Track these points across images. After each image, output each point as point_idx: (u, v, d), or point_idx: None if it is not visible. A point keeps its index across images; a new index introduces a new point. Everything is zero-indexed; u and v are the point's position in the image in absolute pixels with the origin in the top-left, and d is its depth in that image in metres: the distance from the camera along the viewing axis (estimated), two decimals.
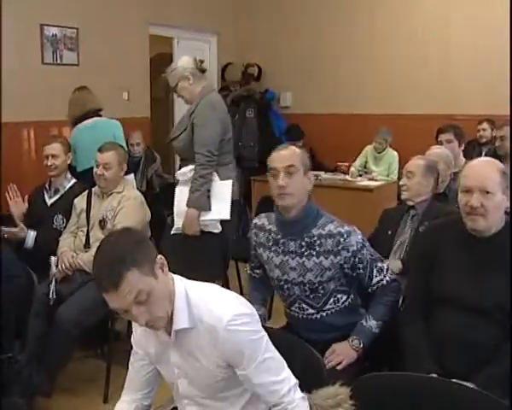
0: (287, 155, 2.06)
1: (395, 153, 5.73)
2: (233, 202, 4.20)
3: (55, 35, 5.15)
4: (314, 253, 2.09)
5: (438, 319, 1.98)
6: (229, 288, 3.95)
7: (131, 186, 3.32)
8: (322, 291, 2.15)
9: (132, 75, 5.81)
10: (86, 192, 3.32)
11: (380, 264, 2.15)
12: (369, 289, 2.17)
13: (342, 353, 2.10)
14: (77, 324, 2.79)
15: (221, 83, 7.10)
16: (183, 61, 3.39)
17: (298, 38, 6.84)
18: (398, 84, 6.19)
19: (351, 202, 4.79)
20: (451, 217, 2.14)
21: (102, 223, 3.13)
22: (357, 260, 2.10)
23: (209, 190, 3.15)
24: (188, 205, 3.14)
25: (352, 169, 5.52)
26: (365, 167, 5.84)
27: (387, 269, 2.17)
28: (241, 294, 4.51)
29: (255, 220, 2.28)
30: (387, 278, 2.14)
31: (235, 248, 3.92)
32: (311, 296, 2.17)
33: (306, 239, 2.09)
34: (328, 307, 2.18)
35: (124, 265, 1.38)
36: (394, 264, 2.67)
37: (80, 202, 3.29)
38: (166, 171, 5.49)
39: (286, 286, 2.20)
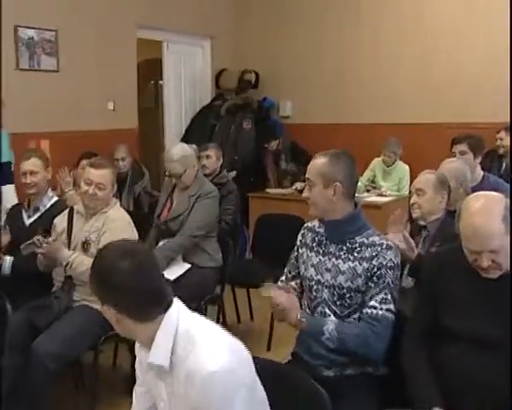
0: (309, 168, 2.28)
1: (406, 166, 5.74)
2: (228, 223, 4.26)
3: (32, 38, 5.07)
4: (351, 257, 2.24)
5: (445, 355, 1.99)
6: (224, 315, 3.95)
7: (117, 205, 3.31)
8: (348, 301, 2.23)
9: (118, 83, 5.81)
10: (67, 211, 3.31)
11: (389, 296, 2.17)
12: (359, 310, 2.22)
13: (288, 302, 2.18)
14: (56, 357, 2.75)
15: (215, 91, 7.12)
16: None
17: (299, 41, 6.89)
18: (407, 90, 6.22)
19: None
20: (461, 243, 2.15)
21: (85, 245, 3.12)
22: (378, 273, 2.17)
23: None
24: None
25: (359, 184, 5.51)
26: (373, 182, 5.85)
27: (391, 309, 2.18)
28: (239, 321, 4.54)
29: (307, 223, 2.47)
30: (381, 313, 2.16)
31: (232, 272, 3.95)
32: (338, 303, 2.25)
33: (348, 244, 2.26)
34: (351, 319, 2.24)
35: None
36: (406, 282, 2.70)
37: (61, 221, 3.28)
38: (156, 187, 5.48)
39: (316, 287, 2.31)
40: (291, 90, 7.00)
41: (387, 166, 5.79)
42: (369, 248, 2.20)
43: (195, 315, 1.64)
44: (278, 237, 4.26)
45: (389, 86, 6.32)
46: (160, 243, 3.75)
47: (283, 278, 2.53)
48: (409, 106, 6.19)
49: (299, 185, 5.66)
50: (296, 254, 2.46)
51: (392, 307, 2.17)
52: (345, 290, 2.23)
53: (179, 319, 1.57)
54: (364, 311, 2.19)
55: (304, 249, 2.40)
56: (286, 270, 2.51)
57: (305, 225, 2.47)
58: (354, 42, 6.54)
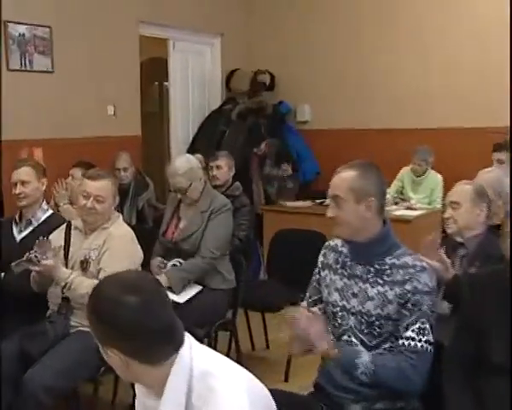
0: (335, 183, 2.25)
1: (438, 176, 5.70)
2: (241, 240, 4.25)
3: (23, 35, 5.04)
4: (381, 281, 2.21)
5: (493, 392, 1.96)
6: (237, 342, 3.92)
7: (119, 220, 3.30)
8: (378, 329, 2.21)
9: (119, 85, 5.82)
10: (64, 226, 3.30)
11: (427, 326, 2.15)
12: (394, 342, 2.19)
13: (316, 329, 2.12)
14: (50, 390, 2.72)
15: (225, 93, 7.13)
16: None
17: (319, 39, 6.88)
18: (436, 92, 6.18)
19: None
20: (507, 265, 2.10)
21: (84, 264, 3.11)
22: (412, 299, 2.14)
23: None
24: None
25: (387, 196, 5.46)
26: (401, 194, 5.81)
27: (429, 341, 2.14)
28: (253, 349, 4.50)
29: (328, 242, 2.47)
30: (420, 345, 2.12)
31: (245, 294, 3.94)
32: (366, 331, 2.24)
33: (376, 266, 2.23)
34: (380, 350, 2.21)
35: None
36: (441, 306, 2.67)
37: (57, 237, 3.26)
38: (161, 200, 5.47)
39: (341, 314, 2.30)
40: (310, 93, 6.98)
41: (417, 177, 5.75)
42: (400, 271, 2.18)
43: (209, 351, 1.62)
44: (297, 256, 4.25)
45: (417, 88, 6.30)
46: (170, 264, 3.75)
47: (304, 303, 2.51)
48: (439, 109, 6.15)
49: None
50: (318, 276, 2.45)
51: (430, 338, 2.14)
52: (374, 318, 2.21)
53: (192, 358, 1.54)
54: (401, 342, 2.15)
55: (326, 272, 2.40)
56: (307, 294, 2.51)
57: (327, 244, 2.47)
58: (379, 42, 6.53)
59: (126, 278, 1.59)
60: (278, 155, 6.43)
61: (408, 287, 2.14)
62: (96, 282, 2.98)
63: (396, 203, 5.50)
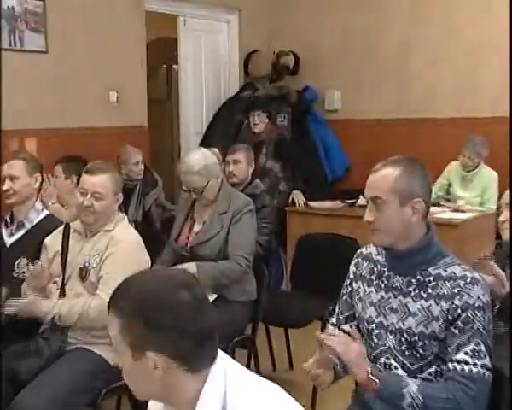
0: (375, 182, 2.23)
1: (493, 173, 5.62)
2: (262, 246, 4.25)
3: (13, 8, 5.00)
4: (424, 295, 2.20)
5: None
6: (257, 361, 3.92)
7: (124, 222, 3.30)
8: (421, 351, 2.19)
9: (123, 68, 5.84)
10: (62, 228, 3.30)
11: (482, 347, 2.11)
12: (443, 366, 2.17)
13: (354, 352, 2.10)
14: None
15: (243, 78, 7.14)
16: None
17: (350, 15, 6.85)
18: (488, 78, 6.11)
19: None
20: None
21: (83, 272, 3.11)
22: (462, 316, 2.12)
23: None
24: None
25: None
26: (448, 193, 5.75)
27: (486, 365, 2.10)
28: (274, 369, 4.48)
29: (361, 249, 2.46)
30: (476, 370, 2.08)
31: (266, 307, 3.93)
32: (407, 353, 2.22)
33: (419, 277, 2.22)
34: (425, 375, 2.19)
35: None
36: (496, 327, 2.61)
37: (53, 241, 3.27)
38: (170, 198, 5.48)
39: (377, 332, 2.29)
40: (340, 78, 6.96)
41: (467, 172, 5.67)
42: (447, 283, 2.16)
43: (242, 370, 1.63)
44: (325, 264, 4.23)
45: (465, 71, 6.23)
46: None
47: (334, 320, 2.51)
48: (490, 94, 6.08)
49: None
50: (350, 289, 2.45)
51: (487, 361, 2.10)
52: (416, 337, 2.19)
53: (227, 372, 1.57)
54: (451, 366, 2.11)
55: (359, 283, 2.40)
56: (337, 309, 2.51)
57: (359, 251, 2.46)
58: (421, 24, 6.47)
59: (170, 274, 1.65)
60: (278, 143, 6.23)
61: (457, 302, 2.12)
62: (88, 298, 3.02)
63: (438, 204, 5.43)
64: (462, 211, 5.30)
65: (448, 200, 5.61)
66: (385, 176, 2.20)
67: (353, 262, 2.46)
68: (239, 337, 3.75)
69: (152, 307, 1.52)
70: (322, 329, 3.96)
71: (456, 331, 2.11)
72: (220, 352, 1.60)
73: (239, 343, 3.77)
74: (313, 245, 4.61)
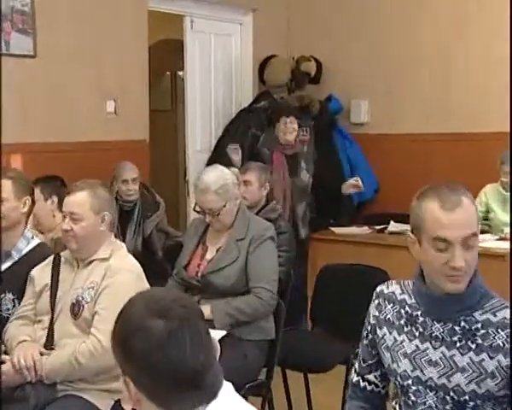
0: (466, 218, 2.14)
1: None
2: (280, 278, 4.27)
3: None
4: (473, 346, 2.17)
5: None
6: (273, 408, 3.91)
7: (123, 251, 3.31)
8: None
9: (122, 74, 5.88)
10: (51, 259, 3.31)
11: None
12: None
13: None
14: None
15: (258, 86, 7.17)
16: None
17: (379, 16, 6.88)
18: None
19: None
20: None
21: (76, 308, 3.10)
22: None
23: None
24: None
25: None
26: (486, 219, 5.71)
27: None
28: None
29: (381, 287, 2.43)
30: None
31: (283, 348, 3.93)
32: None
33: (463, 324, 2.19)
34: None
35: None
36: None
37: (42, 273, 3.27)
38: (173, 224, 5.49)
39: (415, 388, 2.26)
40: (368, 87, 6.97)
41: (507, 192, 5.63)
42: (502, 332, 2.14)
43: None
44: (350, 299, 4.21)
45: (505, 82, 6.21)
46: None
47: (356, 366, 2.50)
48: None
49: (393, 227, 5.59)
50: (371, 336, 2.43)
51: None
52: (467, 397, 2.16)
53: None
54: None
55: (385, 330, 2.36)
56: (359, 355, 2.50)
57: (379, 290, 2.43)
58: (463, 29, 6.46)
59: (157, 297, 1.65)
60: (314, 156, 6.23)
61: None
62: (76, 344, 3.01)
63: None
64: (507, 239, 5.24)
65: (489, 225, 5.54)
66: (467, 209, 2.15)
67: (373, 304, 2.43)
68: (252, 383, 3.71)
69: (122, 330, 1.60)
70: (347, 374, 3.96)
71: None
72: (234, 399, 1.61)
73: (252, 389, 3.73)
74: (337, 277, 4.60)
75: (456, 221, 2.11)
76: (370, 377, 2.44)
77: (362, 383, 2.47)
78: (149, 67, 6.23)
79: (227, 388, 1.64)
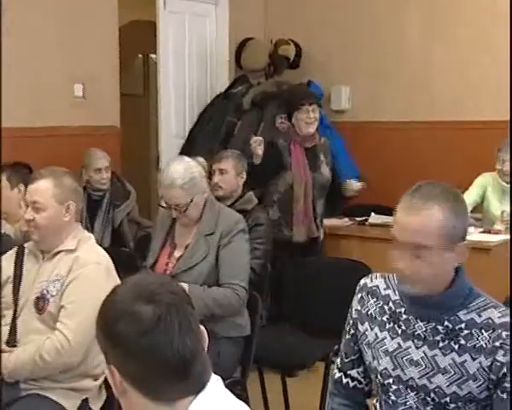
0: (414, 226, 2.13)
1: None
2: (255, 272, 4.25)
3: None
4: (456, 346, 2.18)
5: None
6: (248, 406, 3.90)
7: (91, 242, 3.30)
8: None
9: (90, 57, 5.85)
10: (15, 251, 3.29)
11: None
12: None
13: None
14: None
15: (235, 70, 7.16)
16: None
17: (362, 1, 6.89)
18: None
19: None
20: None
21: (41, 302, 3.07)
22: (508, 376, 2.10)
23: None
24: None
25: None
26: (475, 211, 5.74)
27: None
28: None
29: (364, 280, 2.43)
30: None
31: (258, 346, 3.92)
32: None
33: (447, 323, 2.20)
34: None
35: None
36: None
37: (5, 264, 3.25)
38: (145, 214, 5.47)
39: (395, 388, 2.27)
40: (350, 72, 6.98)
41: (507, 182, 5.64)
42: (485, 333, 2.15)
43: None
44: (329, 294, 4.22)
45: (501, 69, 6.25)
46: None
47: (338, 362, 2.51)
48: None
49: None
50: (353, 331, 2.44)
51: None
52: (448, 399, 2.17)
53: None
54: None
55: (367, 325, 2.38)
56: (341, 350, 2.50)
57: (363, 284, 2.44)
58: (450, 9, 6.49)
59: (145, 282, 1.66)
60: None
61: (501, 358, 2.11)
62: (40, 341, 2.99)
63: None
64: (496, 233, 5.26)
65: (478, 219, 5.56)
66: (429, 219, 2.12)
67: (356, 298, 2.43)
68: (227, 381, 3.71)
69: (107, 316, 1.60)
70: (326, 371, 3.97)
71: (505, 396, 2.11)
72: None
73: (227, 388, 3.75)
74: (315, 271, 4.61)
75: (407, 225, 2.13)
76: (353, 373, 2.45)
77: (344, 380, 2.48)
78: (120, 50, 6.20)
79: (215, 380, 1.67)
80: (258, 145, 5.10)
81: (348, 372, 2.46)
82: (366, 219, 5.74)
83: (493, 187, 5.74)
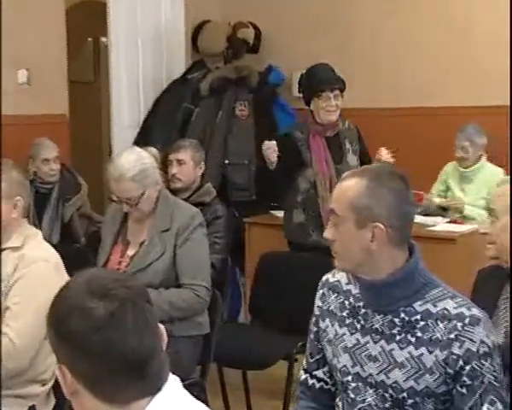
0: (335, 194, 2.27)
1: (498, 170, 5.72)
2: (214, 267, 4.27)
3: None
4: (413, 339, 2.19)
5: None
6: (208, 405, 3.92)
7: (38, 238, 3.27)
8: None
9: (35, 40, 5.79)
10: None
11: (499, 405, 2.12)
12: None
13: None
14: None
15: (191, 55, 7.15)
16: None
17: None
18: (498, 62, 6.20)
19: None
20: None
21: None
22: (466, 369, 2.12)
23: None
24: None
25: (426, 202, 5.49)
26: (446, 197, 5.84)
27: None
28: None
29: (327, 276, 2.46)
30: None
31: (219, 343, 3.94)
32: None
33: (403, 315, 2.21)
34: None
35: None
36: None
37: None
38: (97, 209, 5.45)
39: (354, 385, 2.29)
40: (311, 56, 6.95)
41: (465, 168, 5.79)
42: (440, 324, 2.17)
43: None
44: (293, 290, 4.24)
45: (472, 56, 6.33)
46: None
47: (304, 363, 2.52)
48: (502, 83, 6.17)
49: None
50: (315, 328, 2.46)
51: None
52: (405, 395, 2.19)
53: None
54: None
55: (327, 322, 2.40)
56: (307, 349, 2.52)
57: (324, 279, 2.47)
58: None
59: (99, 277, 1.65)
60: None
61: (457, 350, 2.12)
62: None
63: (444, 209, 5.54)
64: (461, 222, 5.36)
65: (445, 209, 5.64)
66: (346, 189, 2.22)
67: (318, 294, 2.45)
68: (186, 382, 3.71)
69: (58, 312, 1.59)
70: (290, 370, 3.99)
71: (464, 390, 2.12)
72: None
73: (186, 389, 3.75)
74: (279, 265, 4.63)
75: (333, 193, 2.29)
76: (319, 373, 2.46)
77: (310, 381, 2.49)
78: (67, 33, 6.16)
79: (173, 381, 1.66)
80: (272, 151, 4.68)
81: (314, 373, 2.47)
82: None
83: (453, 175, 5.85)
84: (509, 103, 5.56)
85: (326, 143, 4.86)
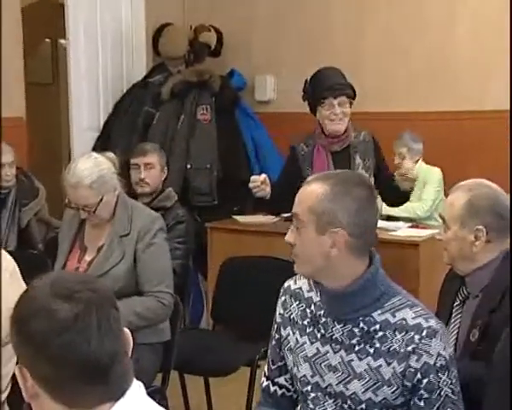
0: (299, 196, 2.27)
1: (435, 170, 5.99)
2: (176, 272, 4.26)
3: None
4: (371, 350, 2.19)
5: None
6: None
7: None
8: None
9: None
10: None
11: None
12: None
13: None
14: None
15: (152, 58, 7.13)
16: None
17: None
18: (461, 67, 6.32)
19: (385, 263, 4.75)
20: None
21: None
22: (423, 383, 2.14)
23: None
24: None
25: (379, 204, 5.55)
26: None
27: None
28: None
29: (288, 283, 2.45)
30: None
31: (180, 350, 3.93)
32: None
33: (362, 325, 2.21)
34: None
35: None
36: None
37: None
38: (55, 212, 5.40)
39: (314, 395, 2.29)
40: (274, 60, 7.01)
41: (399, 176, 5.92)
42: (398, 335, 2.17)
43: None
44: (255, 295, 4.24)
45: (439, 60, 6.44)
46: None
47: (266, 369, 2.52)
48: (466, 87, 6.31)
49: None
50: (277, 336, 2.46)
51: None
52: (363, 405, 2.20)
53: None
54: None
55: (289, 330, 2.40)
56: (268, 355, 2.52)
57: (286, 286, 2.46)
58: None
59: (64, 279, 1.64)
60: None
61: (414, 363, 2.14)
62: None
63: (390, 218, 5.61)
64: (424, 227, 5.42)
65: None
66: (309, 192, 2.23)
67: (280, 301, 2.45)
68: (147, 390, 3.69)
69: (21, 313, 1.58)
70: (252, 377, 3.99)
71: (422, 403, 2.14)
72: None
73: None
74: (242, 271, 4.63)
75: (298, 196, 2.27)
76: (281, 380, 2.46)
77: (272, 388, 2.48)
78: (24, 33, 6.10)
79: (137, 387, 1.66)
80: (264, 185, 4.33)
81: (276, 380, 2.47)
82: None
83: None
84: (508, 107, 5.63)
85: (332, 158, 4.56)
